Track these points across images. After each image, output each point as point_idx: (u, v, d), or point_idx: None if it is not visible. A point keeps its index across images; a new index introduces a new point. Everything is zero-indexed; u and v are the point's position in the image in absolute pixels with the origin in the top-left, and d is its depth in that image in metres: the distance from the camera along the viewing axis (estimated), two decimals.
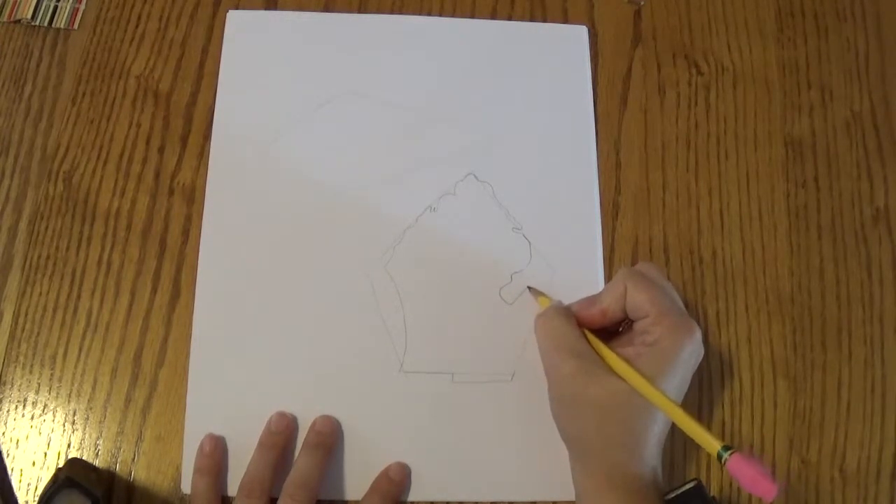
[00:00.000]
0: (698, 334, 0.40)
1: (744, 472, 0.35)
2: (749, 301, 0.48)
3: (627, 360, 0.39)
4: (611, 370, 0.40)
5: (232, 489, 0.43)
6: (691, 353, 0.40)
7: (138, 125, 0.50)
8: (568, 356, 0.40)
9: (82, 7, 0.52)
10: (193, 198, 0.48)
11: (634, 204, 0.50)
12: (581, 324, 0.42)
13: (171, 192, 0.49)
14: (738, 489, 0.45)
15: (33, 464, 0.44)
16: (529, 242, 0.48)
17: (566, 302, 0.44)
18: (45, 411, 0.44)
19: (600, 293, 0.43)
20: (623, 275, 0.42)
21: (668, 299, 0.40)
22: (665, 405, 0.38)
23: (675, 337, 0.39)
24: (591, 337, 0.42)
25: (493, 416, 0.45)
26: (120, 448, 0.44)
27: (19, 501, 0.42)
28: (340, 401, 0.45)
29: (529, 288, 0.46)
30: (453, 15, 0.53)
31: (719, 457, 0.36)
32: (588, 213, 0.49)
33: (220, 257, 0.47)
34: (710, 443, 0.37)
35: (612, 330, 0.44)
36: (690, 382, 0.41)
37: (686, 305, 0.47)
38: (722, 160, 0.51)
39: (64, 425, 0.44)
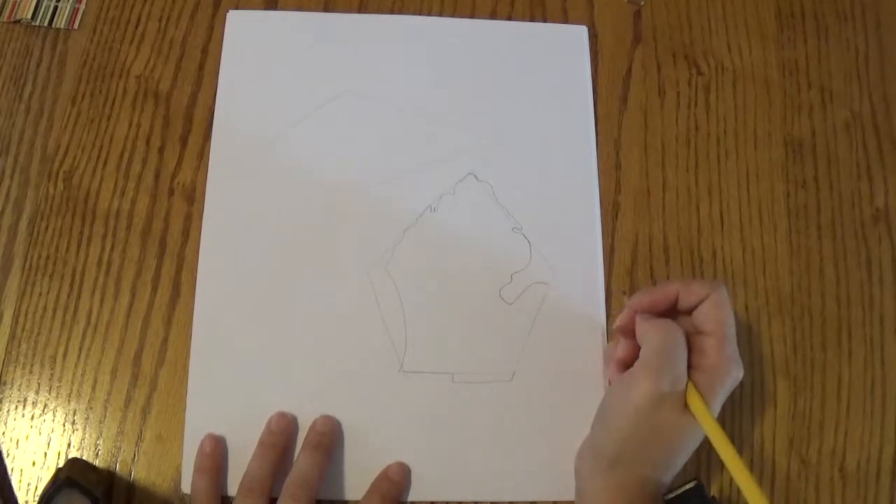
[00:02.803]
0: (742, 373, 0.40)
1: None
2: (749, 301, 0.48)
3: (706, 403, 0.39)
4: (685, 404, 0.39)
5: (232, 489, 0.43)
6: (731, 387, 0.40)
7: (138, 125, 0.50)
8: (672, 373, 0.39)
9: (82, 7, 0.52)
10: (193, 198, 0.48)
11: (634, 204, 0.50)
12: (641, 298, 0.42)
13: (171, 192, 0.49)
14: (738, 489, 0.44)
15: (33, 464, 0.44)
16: (529, 242, 0.48)
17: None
18: (45, 411, 0.44)
19: (680, 282, 0.42)
20: (712, 285, 0.41)
21: (733, 330, 0.40)
22: (742, 477, 0.37)
23: (728, 368, 0.39)
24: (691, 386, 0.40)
25: (493, 416, 0.45)
26: (120, 448, 0.44)
27: (19, 501, 0.42)
28: (340, 401, 0.45)
29: (624, 293, 0.46)
30: (453, 15, 0.53)
31: None
32: (588, 213, 0.49)
33: (220, 257, 0.47)
34: None
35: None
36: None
37: None
38: (722, 160, 0.51)
39: (64, 425, 0.44)
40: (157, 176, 0.49)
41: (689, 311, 0.41)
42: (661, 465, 0.39)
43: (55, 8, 0.52)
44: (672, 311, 0.42)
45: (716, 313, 0.40)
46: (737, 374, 0.40)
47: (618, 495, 0.39)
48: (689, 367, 0.40)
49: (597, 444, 0.41)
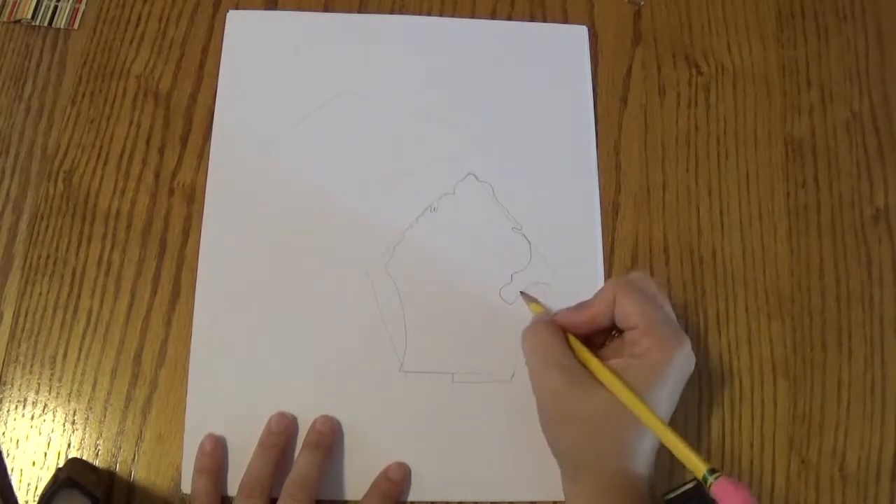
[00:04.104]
0: (688, 346, 0.39)
1: (729, 498, 0.34)
2: (749, 301, 0.48)
3: (616, 373, 0.39)
4: (598, 383, 0.39)
5: (232, 489, 0.43)
6: (680, 366, 0.39)
7: (138, 125, 0.50)
8: (555, 371, 0.40)
9: (82, 7, 0.52)
10: (193, 198, 0.48)
11: (634, 204, 0.50)
12: (568, 330, 0.42)
13: (171, 192, 0.49)
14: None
15: (33, 464, 0.44)
16: (529, 242, 0.48)
17: (562, 304, 0.44)
18: (45, 411, 0.44)
19: (590, 300, 0.42)
20: (612, 284, 0.41)
21: (657, 311, 0.40)
22: (652, 422, 0.37)
23: (664, 350, 0.39)
24: (580, 348, 0.41)
25: (493, 416, 0.45)
26: (120, 448, 0.44)
27: (19, 501, 0.42)
28: (340, 401, 0.45)
29: (522, 293, 0.46)
30: (453, 15, 0.53)
31: (704, 480, 0.35)
32: (588, 213, 0.49)
33: (220, 257, 0.47)
34: (696, 465, 0.36)
35: (602, 338, 0.43)
36: (690, 384, 0.41)
37: (685, 306, 0.47)
38: (722, 160, 0.51)
39: (64, 425, 0.44)
40: (157, 176, 0.49)
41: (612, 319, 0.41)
42: (618, 453, 0.38)
43: (55, 8, 0.52)
44: (610, 329, 0.43)
45: (629, 307, 0.40)
46: (679, 351, 0.39)
47: (593, 495, 0.38)
48: (627, 365, 0.39)
49: (555, 456, 0.41)
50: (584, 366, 0.40)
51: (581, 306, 0.42)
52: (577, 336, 0.42)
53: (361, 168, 0.49)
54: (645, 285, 0.41)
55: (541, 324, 0.42)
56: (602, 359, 0.40)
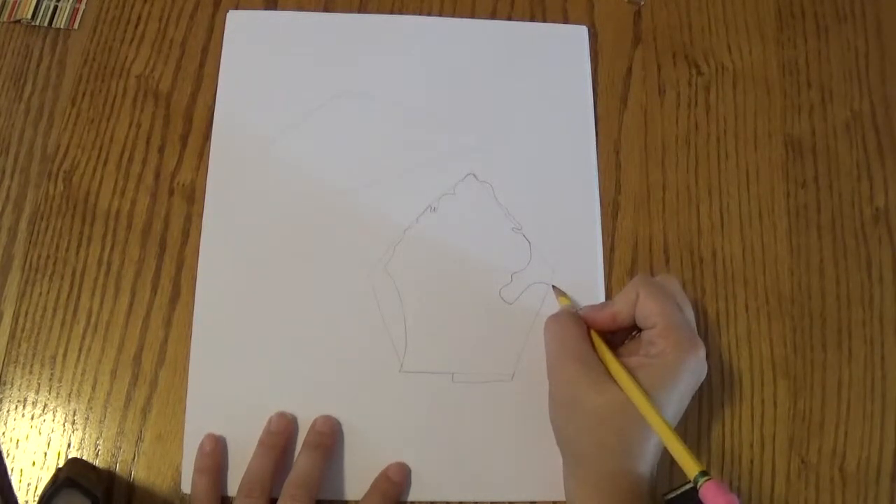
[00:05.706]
0: (702, 353, 0.40)
1: (714, 501, 0.34)
2: (749, 301, 0.48)
3: (628, 370, 0.39)
4: (612, 378, 0.39)
5: (232, 489, 0.43)
6: (693, 370, 0.39)
7: (138, 125, 0.50)
8: (571, 360, 0.41)
9: (82, 7, 0.52)
10: (193, 198, 0.48)
11: (634, 204, 0.50)
12: (591, 326, 0.42)
13: (171, 192, 0.49)
14: (738, 490, 0.45)
15: (33, 464, 0.44)
16: (529, 242, 0.48)
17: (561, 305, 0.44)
18: (45, 411, 0.44)
19: (614, 298, 0.43)
20: (638, 282, 0.41)
21: (678, 314, 0.40)
22: (652, 418, 0.37)
23: (679, 352, 0.39)
24: (597, 342, 0.42)
25: (492, 416, 0.45)
26: (120, 448, 0.44)
27: (19, 501, 0.42)
28: (340, 401, 0.45)
29: (553, 287, 0.47)
30: (453, 15, 0.53)
31: (695, 481, 0.36)
32: (588, 213, 0.49)
33: (220, 257, 0.47)
34: (690, 465, 0.36)
35: (623, 337, 0.44)
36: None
37: None
38: (722, 160, 0.51)
39: (64, 425, 0.44)
40: (157, 176, 0.49)
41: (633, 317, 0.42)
42: (622, 450, 0.38)
43: (55, 8, 0.52)
44: (632, 328, 0.43)
45: (650, 306, 0.40)
46: (693, 355, 0.39)
47: (593, 492, 0.39)
48: (642, 364, 0.39)
49: (560, 446, 0.41)
50: (601, 360, 0.41)
51: (605, 303, 0.43)
52: (600, 332, 0.42)
53: (361, 168, 0.49)
54: (671, 287, 0.42)
55: (564, 315, 0.43)
56: (618, 356, 0.40)
